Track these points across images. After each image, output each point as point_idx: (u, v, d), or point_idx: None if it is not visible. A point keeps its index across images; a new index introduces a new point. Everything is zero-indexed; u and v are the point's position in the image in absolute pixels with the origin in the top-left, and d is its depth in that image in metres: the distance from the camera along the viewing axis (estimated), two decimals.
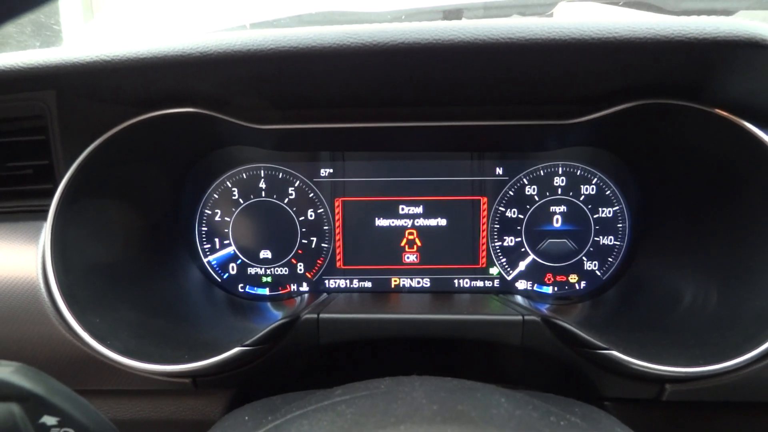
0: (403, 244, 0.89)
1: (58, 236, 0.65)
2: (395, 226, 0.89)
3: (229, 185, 0.88)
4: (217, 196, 0.89)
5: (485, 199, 0.88)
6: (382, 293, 0.89)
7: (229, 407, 0.69)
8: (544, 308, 0.83)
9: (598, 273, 0.88)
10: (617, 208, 0.86)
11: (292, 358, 0.70)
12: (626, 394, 0.66)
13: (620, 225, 0.87)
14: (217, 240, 0.89)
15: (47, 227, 0.65)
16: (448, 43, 0.55)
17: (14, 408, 0.40)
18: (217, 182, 0.88)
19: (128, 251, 0.75)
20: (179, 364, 0.64)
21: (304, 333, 0.67)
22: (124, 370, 0.63)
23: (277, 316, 0.84)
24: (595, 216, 0.87)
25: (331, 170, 0.88)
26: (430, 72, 0.63)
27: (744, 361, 0.59)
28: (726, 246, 0.69)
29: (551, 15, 1.26)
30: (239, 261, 0.90)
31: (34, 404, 0.41)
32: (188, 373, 0.64)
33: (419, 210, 0.89)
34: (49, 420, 0.41)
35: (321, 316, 0.67)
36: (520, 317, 0.67)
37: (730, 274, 0.68)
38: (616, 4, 1.07)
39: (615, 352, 0.61)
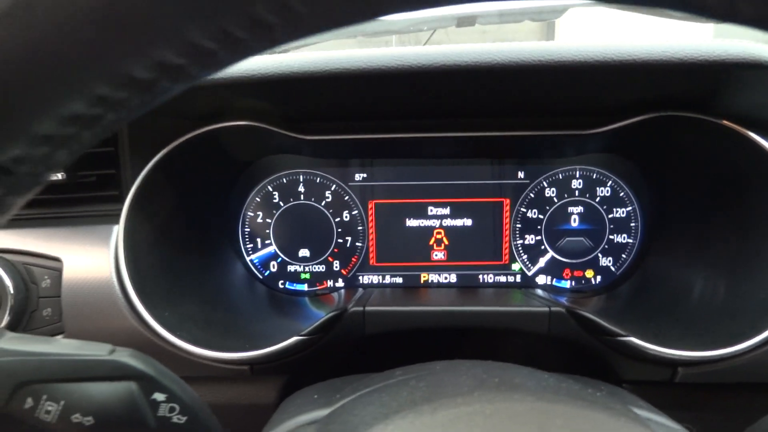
0: (431, 242, 0.96)
1: (129, 238, 0.72)
2: (424, 226, 0.96)
3: (270, 189, 0.96)
4: (259, 200, 0.96)
5: (508, 201, 0.95)
6: (412, 288, 0.96)
7: (282, 392, 0.76)
8: (563, 300, 0.90)
9: (613, 268, 0.95)
10: (630, 208, 0.93)
11: (338, 347, 0.77)
12: (642, 376, 0.73)
13: (633, 224, 0.94)
14: (258, 240, 0.97)
15: (119, 230, 0.72)
16: (485, 65, 0.62)
17: (132, 386, 0.47)
18: (259, 187, 0.96)
19: (186, 250, 0.82)
20: (240, 352, 0.71)
21: (351, 324, 0.74)
22: (190, 358, 0.71)
23: (315, 310, 0.91)
24: (609, 216, 0.94)
25: (365, 175, 0.95)
26: (463, 90, 0.70)
27: (748, 346, 0.66)
28: (732, 244, 0.76)
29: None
30: (279, 259, 0.97)
31: (147, 383, 0.48)
32: (248, 360, 0.71)
33: (446, 211, 0.96)
34: (159, 396, 0.49)
35: (366, 308, 0.74)
36: (546, 308, 0.74)
37: (736, 269, 0.75)
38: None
39: (634, 339, 0.69)
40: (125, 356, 0.48)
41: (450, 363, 0.54)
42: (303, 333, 0.71)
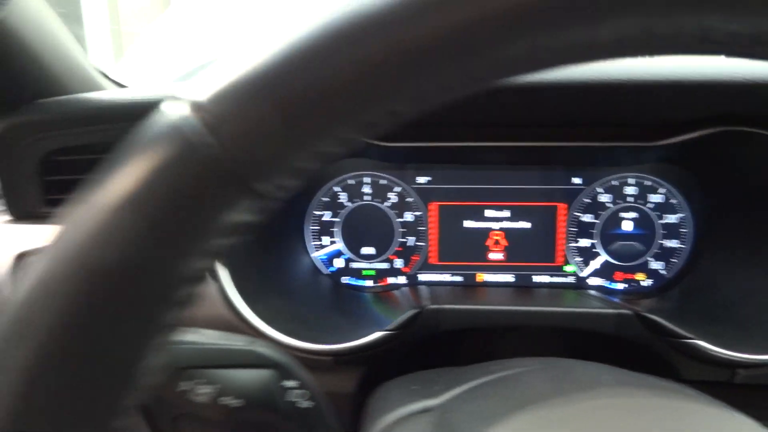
0: (489, 243, 1.01)
1: None
2: (482, 227, 1.01)
3: (337, 190, 1.00)
4: (326, 199, 1.01)
5: (564, 205, 0.99)
6: (471, 287, 1.01)
7: (361, 382, 0.81)
8: (616, 301, 0.95)
9: (664, 272, 1.00)
10: (682, 214, 0.98)
11: (413, 343, 0.83)
12: (702, 376, 0.78)
13: (684, 230, 0.98)
14: (324, 237, 1.02)
15: None
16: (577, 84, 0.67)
17: (270, 373, 0.52)
18: (326, 187, 1.01)
19: (265, 249, 0.87)
20: (326, 344, 0.76)
21: (429, 321, 0.79)
22: (286, 348, 0.76)
23: (377, 305, 0.97)
24: (661, 221, 0.99)
25: (429, 178, 1.00)
26: (541, 104, 0.75)
27: None
28: None
29: None
30: (345, 256, 1.02)
31: (281, 371, 0.53)
32: (333, 352, 0.77)
33: (504, 214, 1.00)
34: (290, 383, 0.54)
35: (444, 306, 0.79)
36: (613, 310, 0.79)
37: None
38: None
39: (699, 341, 0.73)
40: (263, 347, 0.53)
41: (539, 360, 0.59)
42: (388, 328, 0.76)
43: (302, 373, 0.55)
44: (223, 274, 0.76)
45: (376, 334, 0.76)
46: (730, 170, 0.87)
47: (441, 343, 0.88)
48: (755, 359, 0.72)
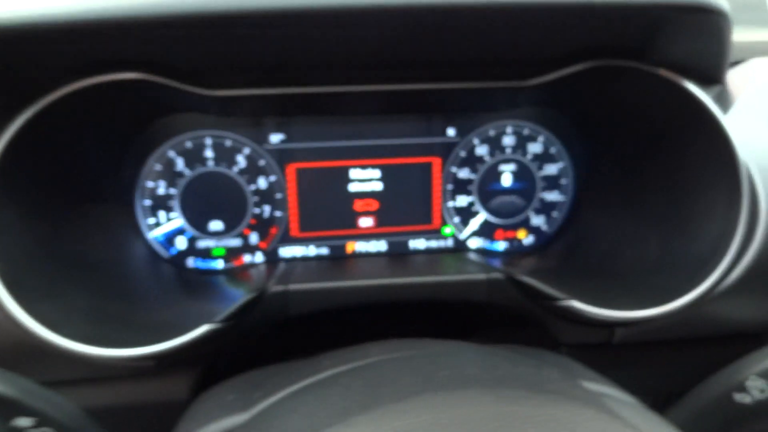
0: (357, 208, 0.89)
1: None
2: (349, 191, 0.88)
3: (172, 155, 0.83)
4: (159, 167, 0.83)
5: (438, 160, 0.89)
6: (339, 259, 0.89)
7: (195, 386, 0.67)
8: (497, 264, 0.87)
9: (545, 228, 0.93)
10: (561, 164, 0.90)
11: (258, 332, 0.69)
12: (580, 339, 0.71)
13: (564, 181, 0.91)
14: (161, 213, 0.84)
15: None
16: (397, 7, 0.54)
17: None
18: (158, 152, 0.83)
19: (70, 231, 0.69)
20: (141, 347, 0.61)
21: (272, 306, 0.66)
22: (82, 358, 0.60)
23: (233, 290, 0.82)
24: (540, 173, 0.91)
25: (282, 136, 0.85)
26: (383, 37, 0.62)
27: (684, 303, 0.65)
28: (664, 198, 0.75)
29: None
30: (188, 234, 0.86)
31: (4, 408, 0.38)
32: (151, 355, 0.61)
33: (373, 174, 0.88)
34: (24, 422, 0.38)
35: (290, 287, 0.66)
36: (484, 276, 0.69)
37: (668, 223, 0.74)
38: None
39: (574, 302, 0.66)
40: None
41: (385, 346, 0.47)
42: (215, 320, 0.61)
43: (47, 402, 0.40)
44: None
45: (202, 329, 0.61)
46: (605, 111, 0.80)
47: (296, 330, 0.75)
48: (631, 316, 0.66)
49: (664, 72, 0.67)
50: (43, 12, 0.51)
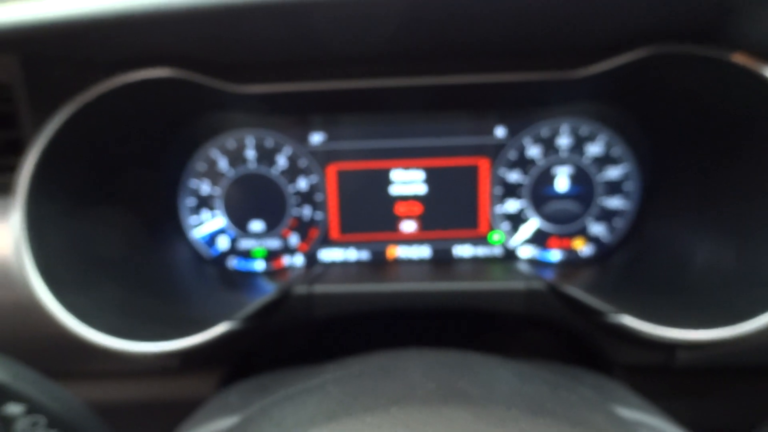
0: (399, 211, 0.85)
1: (32, 212, 0.61)
2: (390, 193, 0.85)
3: (215, 155, 0.84)
4: (203, 167, 0.84)
5: (486, 162, 0.83)
6: (379, 264, 0.85)
7: (221, 386, 0.66)
8: (550, 275, 0.80)
9: (605, 237, 0.84)
10: (626, 168, 0.82)
11: (287, 333, 0.67)
12: (636, 360, 0.62)
13: (628, 186, 0.82)
14: (204, 213, 0.85)
15: (18, 203, 0.61)
16: None
17: None
18: (202, 151, 0.84)
19: (110, 227, 0.71)
20: (165, 341, 0.60)
21: (296, 307, 0.63)
22: (108, 350, 0.60)
23: (271, 289, 0.81)
24: (601, 177, 0.82)
25: (323, 136, 0.83)
26: (425, 27, 0.58)
27: (758, 326, 0.55)
28: (742, 203, 0.65)
29: None
30: (230, 234, 0.86)
31: None
32: (175, 351, 0.61)
33: (416, 176, 0.84)
34: (14, 408, 0.38)
35: (314, 289, 0.63)
36: (523, 285, 0.63)
37: (746, 231, 0.64)
38: None
39: (625, 318, 0.58)
40: None
41: (393, 356, 0.43)
42: (234, 319, 0.60)
43: (41, 390, 0.40)
44: (29, 261, 0.59)
45: (221, 328, 0.60)
46: (673, 105, 0.71)
47: (327, 334, 0.72)
48: (695, 338, 0.57)
49: (739, 57, 0.58)
50: (75, 9, 0.52)
